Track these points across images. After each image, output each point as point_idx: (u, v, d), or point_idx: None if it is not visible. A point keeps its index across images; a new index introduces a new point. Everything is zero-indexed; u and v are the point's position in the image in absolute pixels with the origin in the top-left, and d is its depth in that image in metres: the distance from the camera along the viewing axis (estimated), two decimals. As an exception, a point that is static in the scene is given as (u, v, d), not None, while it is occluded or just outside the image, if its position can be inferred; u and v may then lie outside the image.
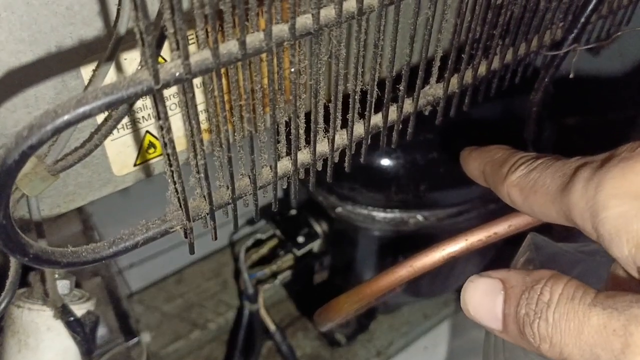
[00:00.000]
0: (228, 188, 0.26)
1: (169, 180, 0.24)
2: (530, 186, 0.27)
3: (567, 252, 0.40)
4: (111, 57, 0.28)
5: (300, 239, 0.71)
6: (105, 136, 0.32)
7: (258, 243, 0.77)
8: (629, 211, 0.22)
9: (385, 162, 0.62)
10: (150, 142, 0.37)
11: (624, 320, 0.20)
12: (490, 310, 0.24)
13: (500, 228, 0.42)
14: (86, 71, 0.31)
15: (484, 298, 0.25)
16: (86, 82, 0.31)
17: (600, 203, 0.23)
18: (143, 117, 0.35)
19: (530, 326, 0.22)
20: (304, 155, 0.29)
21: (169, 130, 0.22)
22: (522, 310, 0.23)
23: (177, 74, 0.20)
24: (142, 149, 0.37)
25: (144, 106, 0.35)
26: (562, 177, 0.26)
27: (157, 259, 0.90)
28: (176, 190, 0.24)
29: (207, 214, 0.26)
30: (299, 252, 0.71)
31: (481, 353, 0.46)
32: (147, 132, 0.36)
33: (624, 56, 0.80)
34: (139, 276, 0.90)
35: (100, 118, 0.33)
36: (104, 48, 0.28)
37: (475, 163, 0.33)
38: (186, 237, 0.26)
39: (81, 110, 0.19)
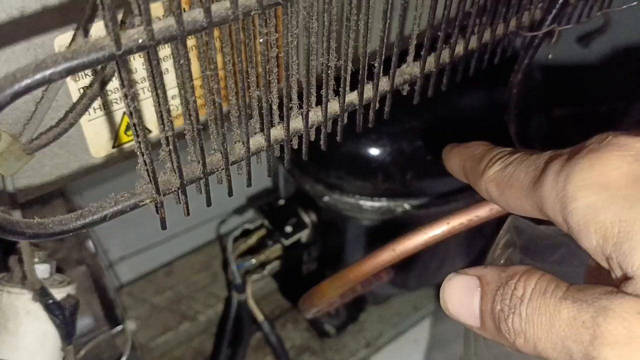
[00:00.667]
0: (199, 162, 0.26)
1: (138, 153, 0.24)
2: (506, 181, 0.28)
3: (548, 235, 0.40)
4: (85, 29, 0.28)
5: (288, 229, 0.71)
6: (80, 115, 0.31)
7: (246, 233, 0.77)
8: (596, 202, 0.22)
9: (372, 150, 0.62)
10: (128, 123, 0.37)
11: (592, 312, 0.20)
12: (468, 308, 0.25)
13: (482, 211, 0.42)
14: (60, 47, 0.30)
15: (461, 296, 0.25)
16: (60, 60, 0.31)
17: (569, 194, 0.23)
18: (120, 97, 0.35)
19: (505, 321, 0.23)
20: (278, 132, 0.29)
21: (134, 98, 0.21)
22: (497, 306, 0.23)
23: (140, 41, 0.20)
24: (119, 131, 0.37)
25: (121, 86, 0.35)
26: (535, 170, 0.26)
27: (146, 252, 0.90)
28: (145, 163, 0.24)
29: (178, 188, 0.26)
30: (287, 242, 0.71)
31: (462, 338, 0.46)
32: (125, 113, 0.36)
33: (613, 47, 0.80)
34: (128, 269, 0.90)
35: (75, 97, 0.33)
36: (79, 22, 0.28)
37: (456, 160, 0.33)
38: (157, 212, 0.26)
39: (40, 75, 0.19)
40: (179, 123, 0.36)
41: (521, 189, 0.27)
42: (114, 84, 0.35)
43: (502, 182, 0.28)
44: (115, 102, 0.35)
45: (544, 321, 0.21)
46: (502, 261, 0.38)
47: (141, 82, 0.36)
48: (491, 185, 0.29)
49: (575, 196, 0.23)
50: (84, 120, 0.35)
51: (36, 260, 0.40)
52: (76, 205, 0.70)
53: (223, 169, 0.27)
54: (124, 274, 0.91)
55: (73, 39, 0.29)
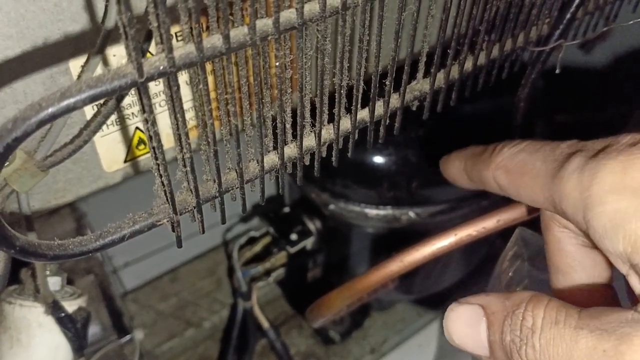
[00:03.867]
0: (215, 182, 0.27)
1: (155, 174, 0.24)
2: (518, 168, 0.27)
3: (555, 247, 0.41)
4: (100, 52, 0.28)
5: (294, 237, 0.71)
6: (94, 132, 0.32)
7: (251, 241, 0.77)
8: (627, 208, 0.22)
9: (377, 159, 0.62)
10: (140, 138, 0.37)
11: (614, 341, 0.20)
12: (475, 339, 0.24)
13: (489, 223, 0.42)
14: (75, 67, 0.31)
15: (466, 327, 0.24)
16: (75, 78, 0.31)
17: (597, 196, 0.23)
18: (133, 113, 0.36)
19: (518, 353, 0.22)
20: (291, 150, 0.29)
21: (154, 123, 0.22)
22: (507, 337, 0.23)
23: (161, 68, 0.21)
24: (132, 146, 0.37)
25: (133, 102, 0.35)
26: (553, 162, 0.25)
27: (151, 258, 0.90)
28: (162, 184, 0.25)
29: (194, 207, 0.26)
30: (292, 250, 0.71)
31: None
32: (137, 128, 0.37)
33: (616, 54, 0.81)
34: (133, 275, 0.90)
35: (89, 114, 0.34)
36: (93, 44, 0.29)
37: (455, 162, 0.32)
38: (173, 231, 0.26)
39: (65, 103, 0.19)
40: (192, 134, 0.37)
41: (535, 179, 0.26)
42: (125, 101, 0.35)
43: (514, 169, 0.27)
44: (127, 118, 0.36)
45: (561, 352, 0.21)
46: (510, 274, 0.39)
47: (154, 97, 0.36)
48: (500, 173, 0.28)
49: (604, 199, 0.22)
50: (96, 136, 0.35)
51: (48, 272, 0.41)
52: (82, 213, 0.70)
53: (238, 187, 0.28)
54: (129, 281, 0.91)
55: (87, 61, 0.29)
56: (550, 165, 0.25)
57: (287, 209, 0.74)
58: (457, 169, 0.32)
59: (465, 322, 0.24)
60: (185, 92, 0.35)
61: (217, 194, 0.27)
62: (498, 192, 0.29)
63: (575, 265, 0.27)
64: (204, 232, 0.28)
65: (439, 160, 0.35)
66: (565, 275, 0.28)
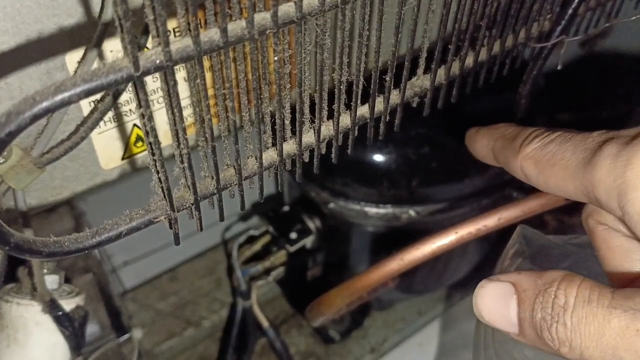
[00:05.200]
0: (213, 178, 0.26)
1: (152, 170, 0.24)
2: (548, 159, 0.26)
3: (557, 245, 0.41)
4: (96, 47, 0.28)
5: (293, 235, 0.71)
6: (92, 129, 0.31)
7: (251, 240, 0.77)
8: None
9: (378, 157, 0.62)
10: (137, 135, 0.37)
11: None
12: (505, 315, 0.24)
13: (490, 221, 0.42)
14: (71, 62, 0.30)
15: (496, 303, 0.24)
16: (71, 74, 0.31)
17: (631, 182, 0.23)
18: (130, 110, 0.35)
19: (549, 330, 0.22)
20: (290, 146, 0.29)
21: (151, 118, 0.21)
22: (538, 315, 0.23)
23: (158, 61, 0.20)
24: (129, 143, 0.37)
25: (131, 99, 0.35)
26: (585, 151, 0.25)
27: (150, 257, 0.90)
28: (159, 180, 0.24)
29: (192, 204, 0.26)
30: (292, 249, 0.71)
31: (472, 346, 0.46)
32: (135, 125, 0.36)
33: (617, 50, 0.80)
34: (132, 274, 0.90)
35: (86, 110, 0.33)
36: (89, 39, 0.28)
37: (484, 140, 0.32)
38: (171, 228, 0.26)
39: (60, 97, 0.19)
40: (190, 131, 0.36)
41: (566, 169, 0.25)
42: (122, 97, 0.35)
43: (543, 160, 0.27)
44: (125, 115, 0.36)
45: (592, 330, 0.21)
46: (512, 270, 0.38)
47: (151, 94, 0.36)
48: (529, 164, 0.28)
49: (637, 185, 0.22)
50: (94, 133, 0.35)
51: (45, 271, 0.40)
52: (81, 211, 0.70)
53: (236, 184, 0.27)
54: (128, 280, 0.91)
55: (84, 56, 0.29)
56: (581, 155, 0.25)
57: (286, 208, 0.73)
58: (485, 147, 0.32)
59: (496, 299, 0.24)
60: (183, 89, 0.35)
61: (215, 191, 0.27)
62: (524, 181, 0.29)
63: (628, 257, 0.27)
64: (202, 229, 0.27)
65: (466, 133, 0.34)
66: (623, 271, 0.28)
